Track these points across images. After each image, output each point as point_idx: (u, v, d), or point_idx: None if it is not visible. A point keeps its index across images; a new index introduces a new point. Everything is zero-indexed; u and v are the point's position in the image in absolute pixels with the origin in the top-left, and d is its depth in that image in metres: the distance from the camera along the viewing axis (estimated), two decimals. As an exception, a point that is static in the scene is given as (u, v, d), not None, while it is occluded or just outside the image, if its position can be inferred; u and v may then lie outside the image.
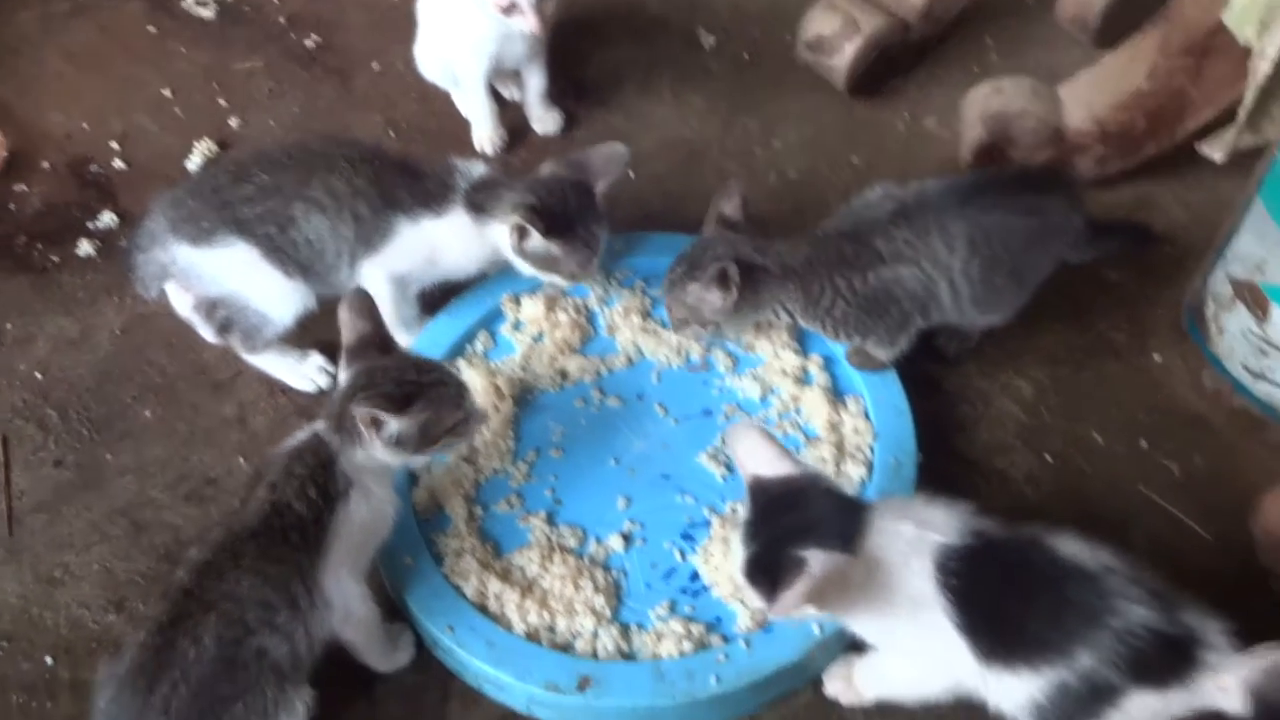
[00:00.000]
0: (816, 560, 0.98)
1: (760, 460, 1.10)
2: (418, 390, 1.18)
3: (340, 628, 1.20)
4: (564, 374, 1.48)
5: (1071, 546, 1.06)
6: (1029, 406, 1.49)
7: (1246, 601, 1.27)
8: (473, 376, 1.45)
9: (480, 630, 1.23)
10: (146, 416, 1.52)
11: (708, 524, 1.32)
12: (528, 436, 1.42)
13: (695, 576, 1.29)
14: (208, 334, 1.54)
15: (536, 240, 1.41)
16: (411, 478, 1.37)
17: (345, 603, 1.19)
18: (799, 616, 1.11)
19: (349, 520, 1.18)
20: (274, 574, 1.13)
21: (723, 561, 1.28)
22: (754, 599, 1.06)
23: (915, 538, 1.07)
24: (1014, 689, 1.07)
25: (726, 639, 1.23)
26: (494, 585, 1.27)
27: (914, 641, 1.11)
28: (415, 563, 1.28)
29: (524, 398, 1.46)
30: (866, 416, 1.41)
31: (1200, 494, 1.39)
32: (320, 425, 1.21)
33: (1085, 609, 1.03)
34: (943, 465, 1.40)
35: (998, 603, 1.05)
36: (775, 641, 1.21)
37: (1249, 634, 1.22)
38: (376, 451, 1.18)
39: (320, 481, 1.18)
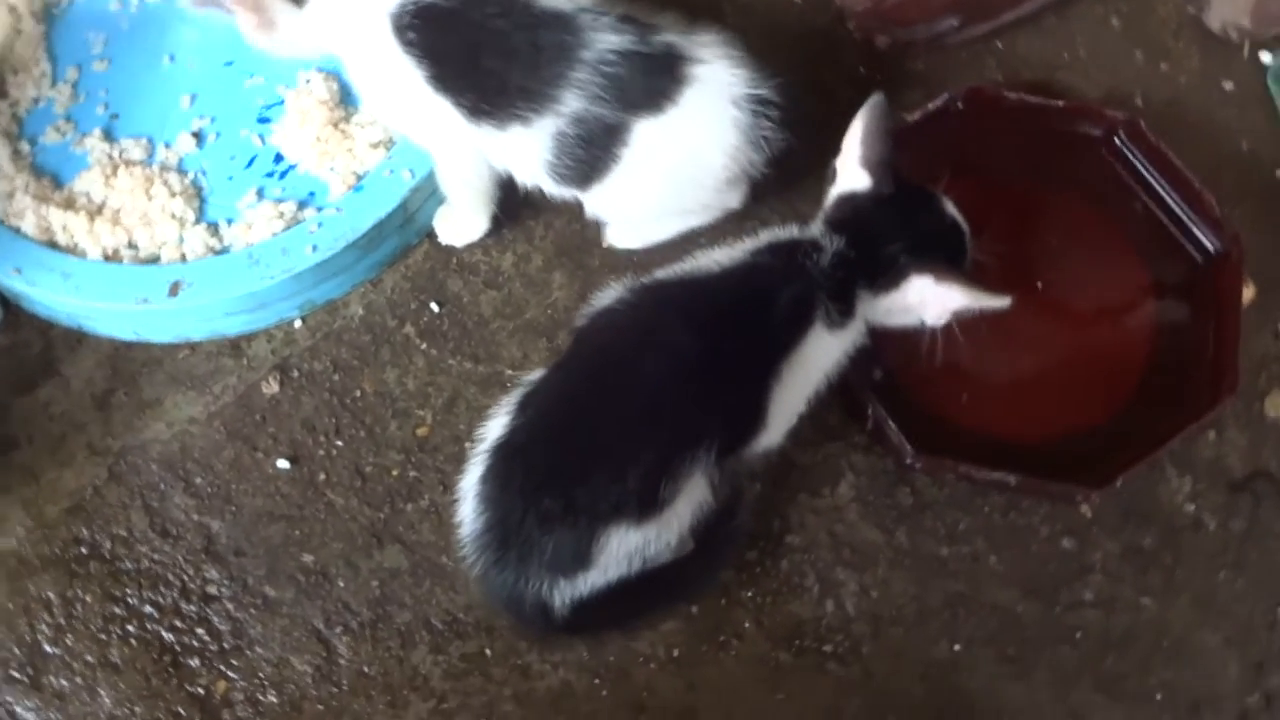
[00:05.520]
0: None
1: None
2: None
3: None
4: (91, -24, 1.29)
5: None
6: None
7: (837, 51, 1.30)
8: (-19, 1, 1.25)
9: (51, 264, 1.13)
10: None
11: (282, 102, 1.22)
12: (64, 54, 1.25)
13: (280, 158, 1.20)
14: None
15: None
16: (-65, 130, 1.21)
17: None
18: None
19: None
20: None
21: (303, 134, 1.19)
22: None
23: None
24: (517, 150, 1.06)
25: (320, 210, 1.16)
26: (57, 217, 1.15)
27: (407, 110, 1.08)
28: (-41, 216, 1.15)
29: (49, 13, 1.27)
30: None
31: (788, -41, 1.35)
32: None
33: (557, 49, 1.00)
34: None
35: (468, 57, 1.02)
36: (368, 199, 1.15)
37: (839, 80, 1.26)
38: None
39: None
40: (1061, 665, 1.07)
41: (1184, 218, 1.17)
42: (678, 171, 1.06)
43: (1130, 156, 1.19)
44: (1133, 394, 1.14)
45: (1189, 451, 1.13)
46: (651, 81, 1.01)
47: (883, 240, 0.98)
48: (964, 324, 1.01)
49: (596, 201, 1.12)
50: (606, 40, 1.00)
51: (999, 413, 1.13)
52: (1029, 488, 1.09)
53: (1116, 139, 1.19)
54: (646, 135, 1.03)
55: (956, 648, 1.08)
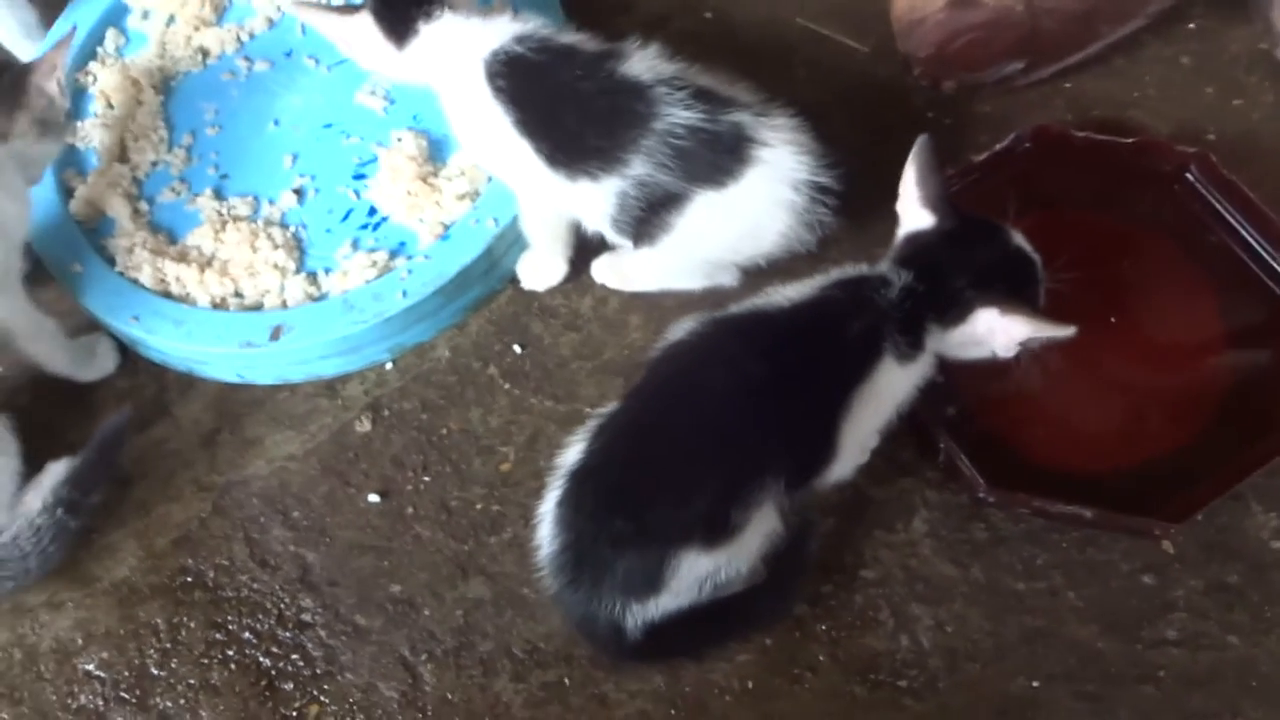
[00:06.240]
0: None
1: None
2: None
3: (25, 346, 1.20)
4: (205, 51, 1.40)
5: (638, 65, 1.08)
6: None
7: (904, 97, 1.33)
8: (107, 78, 1.37)
9: (165, 312, 1.22)
10: None
11: (376, 159, 1.30)
12: (180, 122, 1.36)
13: (373, 211, 1.28)
14: None
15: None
16: (66, 192, 1.31)
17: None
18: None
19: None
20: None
21: (395, 188, 1.26)
22: None
23: (473, 39, 1.10)
24: (583, 200, 1.12)
25: (410, 258, 1.23)
26: (171, 269, 1.25)
27: (495, 148, 1.14)
28: (85, 268, 1.25)
29: (168, 85, 1.39)
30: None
31: (853, 11, 1.38)
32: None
33: (632, 116, 1.06)
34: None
35: (551, 109, 1.08)
36: (454, 247, 1.22)
37: (907, 125, 1.26)
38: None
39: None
40: (1144, 704, 1.05)
41: (1261, 250, 1.16)
42: (726, 241, 1.10)
43: (1203, 191, 1.19)
44: (1211, 428, 1.12)
45: (1275, 486, 1.10)
46: (717, 158, 1.06)
47: (949, 274, 1.00)
48: (1038, 357, 1.01)
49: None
50: (678, 115, 1.05)
51: (1074, 446, 1.12)
52: (1106, 522, 1.07)
53: (1188, 174, 1.19)
54: (704, 206, 1.08)
55: (1035, 684, 1.06)
